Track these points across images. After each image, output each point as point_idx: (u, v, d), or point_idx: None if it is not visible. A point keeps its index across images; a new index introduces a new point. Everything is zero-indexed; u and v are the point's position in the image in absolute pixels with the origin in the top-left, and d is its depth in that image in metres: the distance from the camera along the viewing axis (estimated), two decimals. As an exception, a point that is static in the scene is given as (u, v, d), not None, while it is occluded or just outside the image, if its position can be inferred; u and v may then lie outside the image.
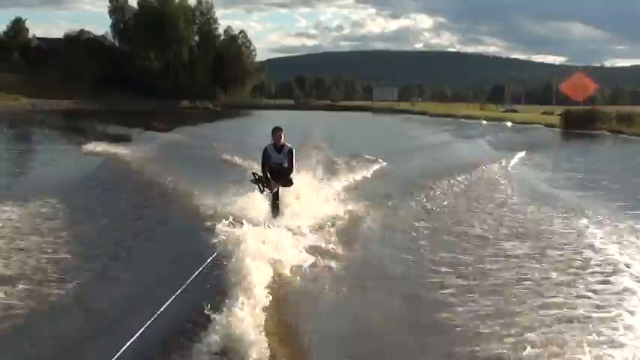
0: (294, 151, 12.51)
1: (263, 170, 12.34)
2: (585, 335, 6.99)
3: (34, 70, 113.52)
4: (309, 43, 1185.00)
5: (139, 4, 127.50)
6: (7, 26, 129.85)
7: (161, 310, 6.27)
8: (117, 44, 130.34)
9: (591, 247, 11.13)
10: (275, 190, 12.20)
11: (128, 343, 5.44)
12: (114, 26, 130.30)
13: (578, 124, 53.87)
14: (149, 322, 5.92)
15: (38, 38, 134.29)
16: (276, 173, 12.32)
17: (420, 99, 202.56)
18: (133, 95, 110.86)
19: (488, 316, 7.73)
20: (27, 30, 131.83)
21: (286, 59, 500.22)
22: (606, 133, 51.40)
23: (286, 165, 12.38)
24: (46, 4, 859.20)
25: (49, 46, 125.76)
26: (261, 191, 12.21)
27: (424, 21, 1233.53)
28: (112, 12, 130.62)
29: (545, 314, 7.79)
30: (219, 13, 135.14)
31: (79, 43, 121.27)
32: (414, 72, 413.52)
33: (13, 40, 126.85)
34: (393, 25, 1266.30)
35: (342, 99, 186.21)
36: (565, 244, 11.45)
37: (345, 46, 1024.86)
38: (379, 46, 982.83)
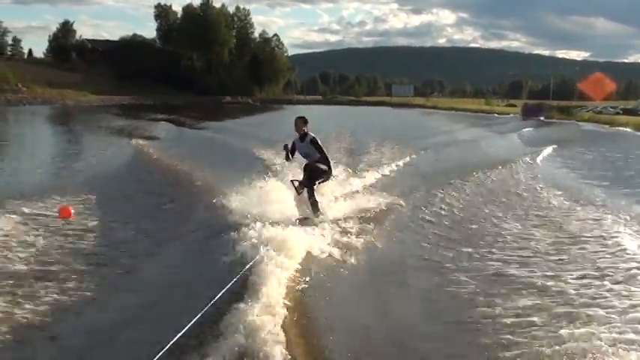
0: (317, 139, 12.29)
1: (287, 157, 12.61)
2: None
3: (92, 69, 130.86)
4: (332, 38, 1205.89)
5: (183, 9, 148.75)
6: (57, 28, 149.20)
7: (205, 308, 6.37)
8: (159, 44, 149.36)
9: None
10: (307, 188, 12.14)
11: (168, 345, 5.45)
12: (159, 29, 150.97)
13: (531, 112, 74.86)
14: (193, 321, 6.00)
15: (89, 40, 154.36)
16: (307, 165, 12.18)
17: (440, 94, 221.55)
18: (181, 91, 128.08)
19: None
20: (75, 31, 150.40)
21: (309, 55, 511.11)
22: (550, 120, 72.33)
23: (317, 155, 12.26)
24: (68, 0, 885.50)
25: (102, 47, 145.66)
26: (299, 193, 12.24)
27: (447, 16, 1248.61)
28: (157, 16, 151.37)
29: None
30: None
31: (132, 45, 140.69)
32: (435, 68, 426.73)
33: (64, 41, 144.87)
34: (416, 20, 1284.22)
35: (364, 94, 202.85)
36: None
37: (368, 41, 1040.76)
38: (401, 41, 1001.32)
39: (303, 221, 11.33)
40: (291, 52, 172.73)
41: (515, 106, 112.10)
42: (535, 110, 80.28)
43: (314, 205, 12.01)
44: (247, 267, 7.84)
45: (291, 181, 12.41)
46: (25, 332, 6.72)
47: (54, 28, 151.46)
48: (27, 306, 7.36)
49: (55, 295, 7.76)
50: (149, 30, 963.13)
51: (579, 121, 68.70)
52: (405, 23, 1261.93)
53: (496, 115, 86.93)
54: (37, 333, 6.74)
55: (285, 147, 12.41)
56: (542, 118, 73.27)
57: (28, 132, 42.26)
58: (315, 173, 12.07)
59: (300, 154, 12.45)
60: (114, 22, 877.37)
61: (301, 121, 12.31)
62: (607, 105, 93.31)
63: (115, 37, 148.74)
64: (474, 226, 12.27)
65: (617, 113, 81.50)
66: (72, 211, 11.99)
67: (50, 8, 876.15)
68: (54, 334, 6.74)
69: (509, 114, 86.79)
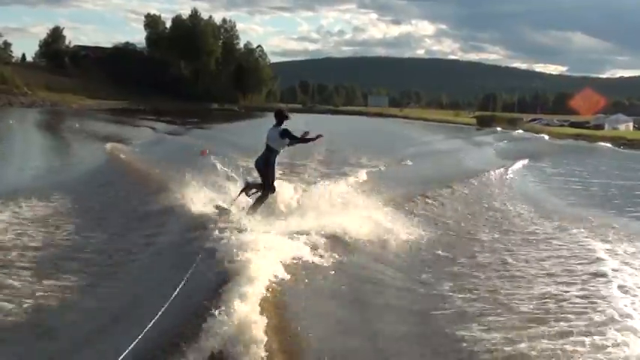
0: (287, 130, 12.28)
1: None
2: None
3: (85, 75, 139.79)
4: (311, 47, 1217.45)
5: (173, 20, 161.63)
6: (47, 34, 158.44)
7: (162, 311, 6.62)
8: (147, 52, 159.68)
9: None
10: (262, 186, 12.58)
11: (131, 346, 5.70)
12: (148, 38, 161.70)
13: (485, 123, 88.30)
14: (149, 326, 6.17)
15: (81, 46, 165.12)
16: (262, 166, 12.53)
17: (416, 105, 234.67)
18: (169, 98, 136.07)
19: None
20: (64, 37, 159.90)
21: (288, 64, 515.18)
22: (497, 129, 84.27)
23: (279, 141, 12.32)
24: (46, 2, 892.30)
25: (95, 54, 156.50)
26: (248, 195, 12.66)
27: (426, 27, 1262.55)
28: (147, 26, 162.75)
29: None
30: (219, 15, 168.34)
31: (123, 53, 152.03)
32: (414, 78, 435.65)
33: (57, 47, 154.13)
34: (395, 30, 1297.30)
35: (342, 104, 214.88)
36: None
37: (347, 51, 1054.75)
38: (380, 51, 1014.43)
39: (222, 210, 12.25)
40: (270, 59, 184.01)
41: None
42: (487, 121, 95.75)
43: (258, 203, 12.48)
44: (192, 268, 7.94)
45: (246, 181, 13.02)
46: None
47: (32, 30, 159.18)
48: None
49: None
50: (127, 34, 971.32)
51: (517, 130, 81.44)
52: (384, 33, 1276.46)
53: (455, 124, 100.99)
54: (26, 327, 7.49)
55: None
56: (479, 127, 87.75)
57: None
58: (271, 172, 12.58)
59: (268, 137, 12.49)
60: (92, 25, 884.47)
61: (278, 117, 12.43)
62: (555, 118, 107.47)
63: (93, 41, 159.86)
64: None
65: (562, 125, 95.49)
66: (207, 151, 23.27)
67: (28, 10, 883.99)
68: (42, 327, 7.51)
69: (468, 124, 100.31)
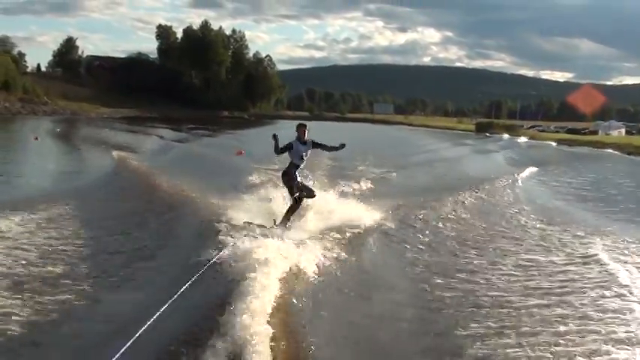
0: (315, 140, 12.96)
1: (277, 149, 12.78)
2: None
3: (99, 84, 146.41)
4: (317, 55, 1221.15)
5: (184, 31, 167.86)
6: (61, 44, 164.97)
7: (168, 303, 6.57)
8: (159, 62, 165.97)
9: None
10: (298, 194, 12.86)
11: (132, 340, 5.68)
12: (160, 48, 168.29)
13: (483, 129, 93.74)
14: (148, 323, 6.05)
15: (95, 56, 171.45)
16: (292, 178, 12.93)
17: (421, 112, 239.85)
18: (181, 106, 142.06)
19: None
20: (77, 47, 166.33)
21: (295, 71, 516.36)
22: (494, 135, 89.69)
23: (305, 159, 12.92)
24: (53, 11, 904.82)
25: (108, 64, 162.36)
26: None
27: (432, 35, 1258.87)
28: (158, 36, 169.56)
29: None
30: (226, 23, 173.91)
31: (136, 63, 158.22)
32: (420, 86, 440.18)
33: (72, 57, 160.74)
34: (401, 38, 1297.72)
35: (348, 111, 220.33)
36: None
37: (353, 58, 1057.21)
38: (387, 59, 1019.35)
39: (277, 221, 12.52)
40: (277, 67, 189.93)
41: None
42: (485, 128, 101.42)
43: (290, 213, 12.84)
44: (202, 270, 7.92)
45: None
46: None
47: (40, 39, 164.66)
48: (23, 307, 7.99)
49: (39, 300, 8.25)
50: (134, 42, 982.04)
51: (515, 136, 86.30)
52: (391, 41, 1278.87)
53: (456, 131, 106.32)
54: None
55: (275, 136, 12.82)
56: (487, 134, 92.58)
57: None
58: (297, 182, 12.96)
59: (297, 155, 12.92)
60: (99, 34, 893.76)
61: (304, 129, 12.90)
62: (552, 125, 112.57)
63: (101, 50, 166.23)
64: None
65: (557, 131, 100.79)
66: (243, 152, 27.41)
67: (36, 19, 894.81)
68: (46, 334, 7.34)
69: (469, 130, 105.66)
